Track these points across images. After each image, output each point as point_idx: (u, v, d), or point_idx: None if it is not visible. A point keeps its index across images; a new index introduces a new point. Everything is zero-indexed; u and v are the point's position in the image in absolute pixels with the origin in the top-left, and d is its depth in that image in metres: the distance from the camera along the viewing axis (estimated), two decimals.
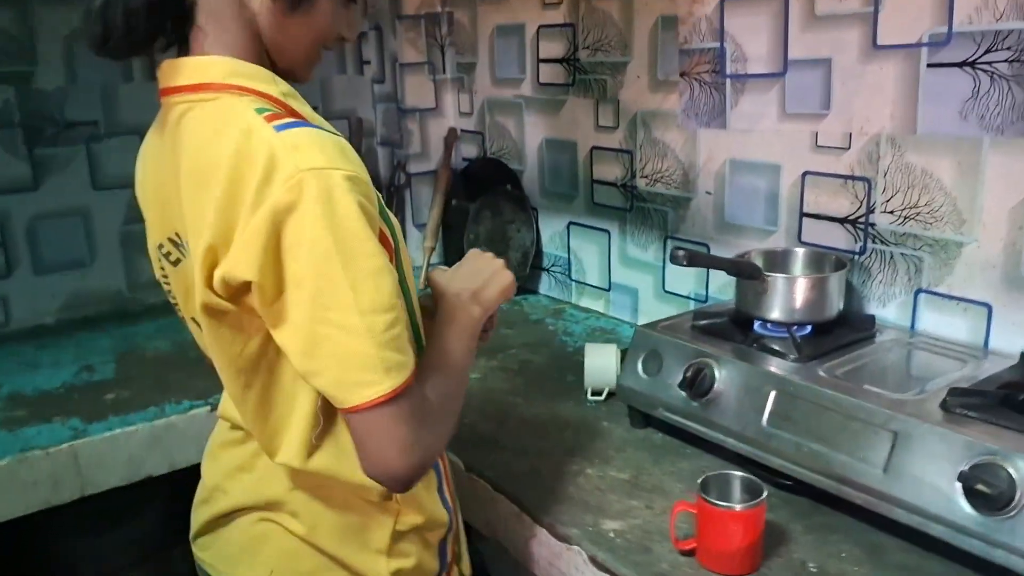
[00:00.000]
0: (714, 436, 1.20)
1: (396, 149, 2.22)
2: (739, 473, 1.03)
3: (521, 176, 2.04)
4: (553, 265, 2.02)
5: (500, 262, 1.00)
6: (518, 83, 1.99)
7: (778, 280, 1.26)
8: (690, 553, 1.00)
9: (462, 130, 2.20)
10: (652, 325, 1.36)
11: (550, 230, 2.00)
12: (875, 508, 1.01)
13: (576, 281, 1.96)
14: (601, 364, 1.45)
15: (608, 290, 1.87)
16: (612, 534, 1.06)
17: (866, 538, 1.04)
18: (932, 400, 1.04)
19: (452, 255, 2.21)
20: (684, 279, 1.67)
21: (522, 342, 1.75)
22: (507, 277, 0.99)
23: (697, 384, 1.21)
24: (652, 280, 1.76)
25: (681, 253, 1.16)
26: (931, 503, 0.95)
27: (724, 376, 1.20)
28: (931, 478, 0.96)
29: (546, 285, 2.06)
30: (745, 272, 1.25)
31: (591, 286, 1.92)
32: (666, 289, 1.72)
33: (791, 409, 1.11)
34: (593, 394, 1.45)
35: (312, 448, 0.83)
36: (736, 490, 1.02)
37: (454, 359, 0.88)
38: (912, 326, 1.32)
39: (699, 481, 1.00)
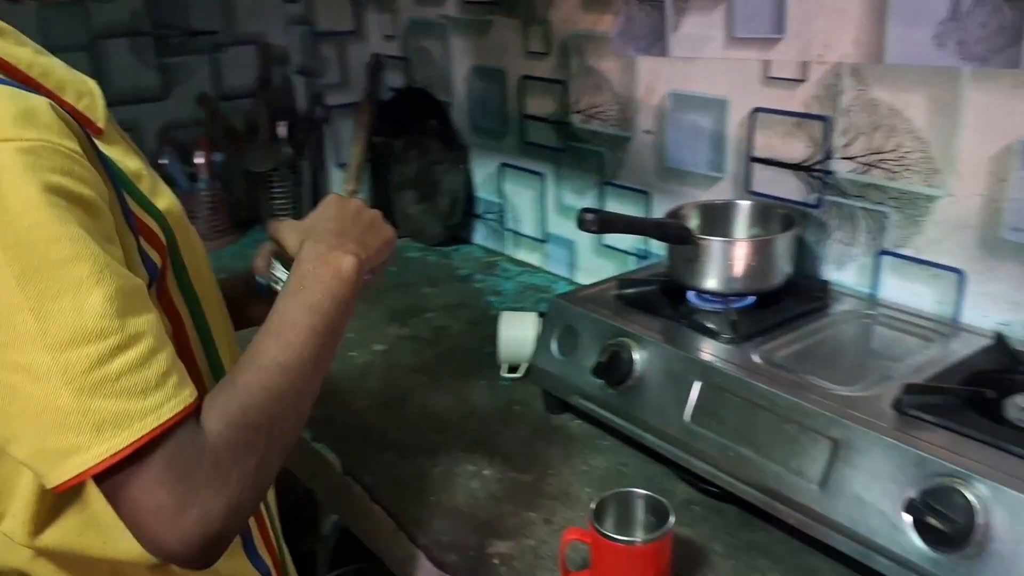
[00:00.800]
0: (632, 431, 1.02)
1: (314, 79, 1.98)
2: (642, 493, 0.84)
3: (449, 110, 1.81)
4: (487, 212, 1.80)
5: (375, 212, 0.80)
6: (441, 0, 1.73)
7: (713, 245, 1.05)
8: None
9: (386, 56, 1.95)
10: (570, 295, 1.16)
11: (482, 172, 1.78)
12: (809, 530, 0.84)
13: (510, 231, 1.75)
14: (518, 336, 1.25)
15: (544, 242, 1.67)
16: (497, 560, 0.88)
17: (801, 562, 0.86)
18: (885, 397, 0.85)
19: (378, 197, 2.00)
20: None
21: (442, 303, 1.55)
22: (386, 232, 0.80)
23: (613, 369, 1.02)
24: None
25: (590, 217, 0.95)
26: (875, 531, 0.78)
27: (644, 360, 1.01)
28: (875, 499, 0.78)
29: (481, 234, 1.85)
30: (673, 236, 1.05)
31: (527, 236, 1.71)
32: (604, 243, 1.51)
33: (718, 404, 0.93)
34: (509, 370, 1.27)
35: (43, 521, 0.64)
36: (639, 513, 0.84)
37: (294, 358, 0.64)
38: (872, 293, 1.13)
39: (592, 506, 0.82)
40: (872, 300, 1.12)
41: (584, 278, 1.57)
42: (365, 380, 1.28)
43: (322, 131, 2.00)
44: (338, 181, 2.00)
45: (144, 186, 0.65)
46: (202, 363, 0.72)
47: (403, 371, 1.30)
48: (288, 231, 0.77)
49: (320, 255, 0.71)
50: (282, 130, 1.93)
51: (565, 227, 1.60)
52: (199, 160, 1.87)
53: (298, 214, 1.96)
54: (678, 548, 0.83)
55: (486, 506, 0.97)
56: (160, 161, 1.84)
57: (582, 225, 0.95)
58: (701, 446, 0.93)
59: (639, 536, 0.81)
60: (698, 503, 0.96)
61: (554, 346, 1.12)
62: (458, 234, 1.85)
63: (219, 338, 0.75)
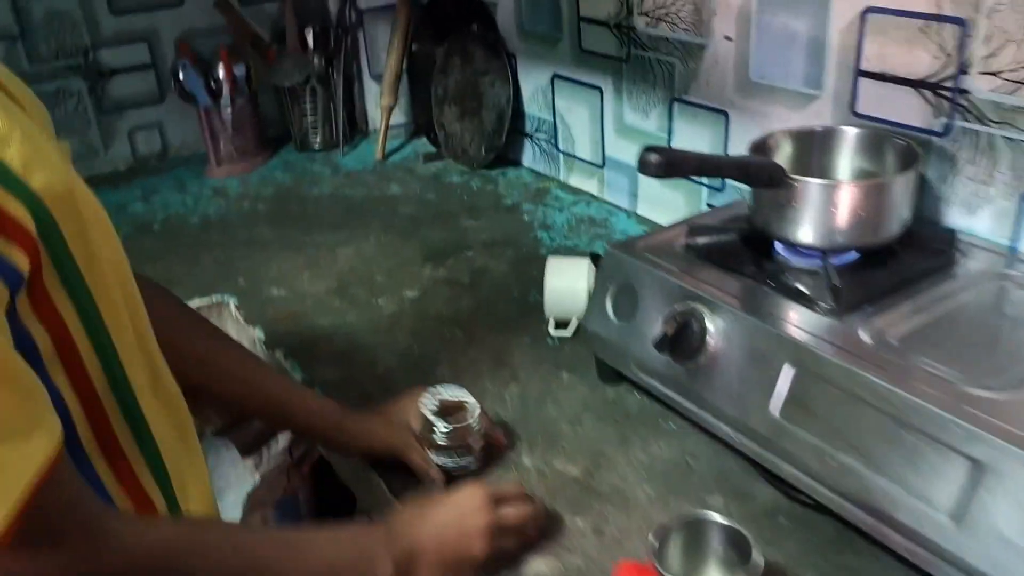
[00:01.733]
0: (704, 418, 0.84)
1: None
2: (720, 521, 0.67)
3: (495, 12, 1.57)
4: (537, 130, 1.59)
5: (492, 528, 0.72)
6: None
7: (810, 188, 0.84)
8: None
9: None
10: (628, 245, 0.96)
11: (531, 84, 1.56)
12: (934, 570, 0.66)
13: (564, 153, 1.54)
14: (567, 288, 1.07)
15: (601, 167, 1.45)
16: None
17: None
18: None
19: (418, 113, 1.80)
20: None
21: (484, 239, 1.36)
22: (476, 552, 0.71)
23: (681, 343, 0.83)
24: None
25: (654, 159, 0.74)
26: None
27: (720, 333, 0.82)
28: None
29: (530, 156, 1.64)
30: (759, 178, 0.83)
31: (582, 160, 1.49)
32: None
33: (815, 396, 0.74)
34: (557, 327, 1.09)
35: None
36: (713, 542, 0.67)
37: None
38: (1014, 246, 0.90)
39: (651, 536, 0.65)
40: (1013, 255, 0.89)
41: (648, 210, 1.36)
42: (393, 334, 1.12)
43: (355, 38, 1.79)
44: (373, 95, 1.80)
45: (12, 155, 0.48)
46: (98, 380, 0.57)
47: (436, 323, 1.13)
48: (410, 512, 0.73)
49: (385, 551, 0.67)
50: (311, 38, 1.73)
51: (626, 150, 1.38)
52: (220, 73, 1.68)
53: (330, 134, 1.78)
54: (735, 538, 0.66)
55: None
56: (178, 74, 1.67)
57: (644, 168, 0.75)
58: (791, 447, 0.75)
59: None
60: (784, 512, 0.78)
61: (609, 306, 0.93)
62: (505, 155, 1.64)
63: (124, 347, 0.59)
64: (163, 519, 0.63)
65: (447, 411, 0.85)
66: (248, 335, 1.16)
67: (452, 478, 0.84)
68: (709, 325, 0.82)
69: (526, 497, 0.77)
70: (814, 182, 0.84)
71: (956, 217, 0.94)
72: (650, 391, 0.91)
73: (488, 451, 0.86)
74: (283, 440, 1.65)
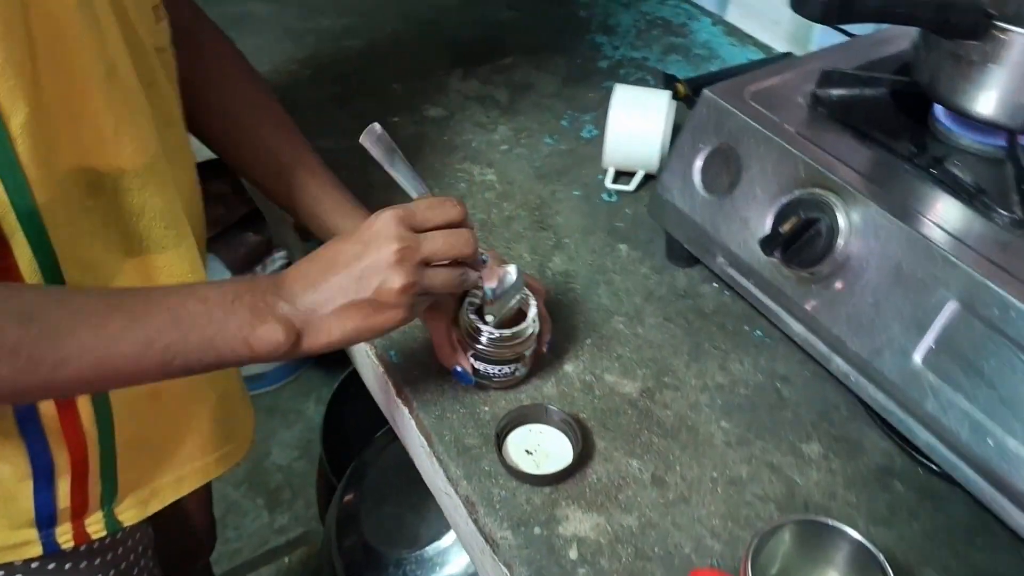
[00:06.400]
0: (815, 347, 0.64)
1: None
2: (844, 530, 0.49)
3: None
4: None
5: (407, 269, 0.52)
6: None
7: (1018, 41, 0.58)
8: None
9: None
10: (733, 88, 0.70)
11: None
12: None
13: None
14: (635, 131, 0.83)
15: None
16: (573, 552, 0.56)
17: None
18: None
19: None
20: None
21: (526, 41, 1.08)
22: (392, 317, 0.53)
23: (800, 245, 0.61)
24: None
25: None
26: None
27: (855, 236, 0.60)
28: None
29: None
30: (959, 27, 0.57)
31: None
32: None
33: (980, 349, 0.53)
34: (617, 177, 0.86)
35: None
36: (828, 550, 0.50)
37: (137, 346, 0.48)
38: None
39: (752, 545, 0.47)
40: None
41: (741, 18, 1.08)
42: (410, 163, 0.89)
43: None
44: None
45: None
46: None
47: (462, 158, 0.90)
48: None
49: (260, 299, 0.51)
50: None
51: None
52: None
53: None
54: (859, 555, 0.50)
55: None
56: None
57: (803, 4, 0.49)
58: (933, 408, 0.55)
59: None
60: (902, 476, 0.61)
61: (696, 172, 0.70)
62: None
63: None
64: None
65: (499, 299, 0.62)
66: None
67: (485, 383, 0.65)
68: (841, 223, 0.60)
69: (460, 218, 0.56)
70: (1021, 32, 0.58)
71: None
72: (738, 291, 0.70)
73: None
74: (279, 259, 1.48)
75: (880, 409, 0.60)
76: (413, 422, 0.64)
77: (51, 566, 0.64)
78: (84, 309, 0.47)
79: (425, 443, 0.62)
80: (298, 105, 0.95)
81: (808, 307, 0.62)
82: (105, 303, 0.48)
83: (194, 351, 0.49)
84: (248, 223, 1.41)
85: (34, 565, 0.63)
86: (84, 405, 0.58)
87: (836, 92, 0.68)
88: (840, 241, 0.60)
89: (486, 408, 0.64)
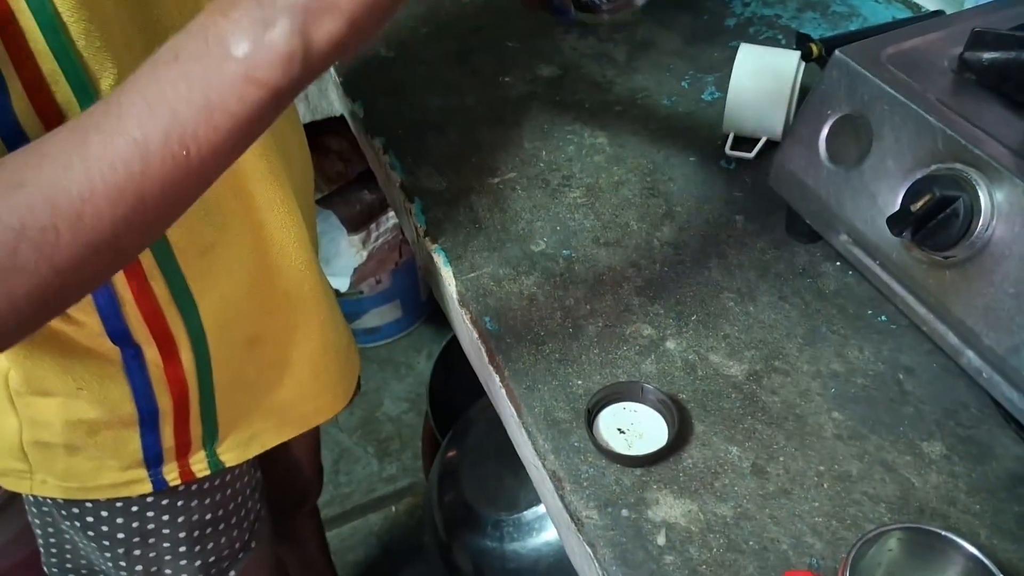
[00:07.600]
0: (946, 339, 0.58)
1: None
2: (954, 540, 0.44)
3: None
4: None
5: None
6: None
7: None
8: None
9: None
10: (867, 48, 0.64)
11: None
12: None
13: None
14: (761, 92, 0.77)
15: None
16: (663, 541, 0.54)
17: None
18: None
19: None
20: None
21: (649, 11, 1.03)
22: None
23: (934, 225, 0.55)
24: None
25: None
26: None
27: (998, 217, 0.53)
28: None
29: None
30: None
31: None
32: None
33: None
34: (735, 144, 0.81)
35: None
36: (942, 567, 0.45)
37: (113, 158, 0.37)
38: None
39: (853, 550, 0.43)
40: None
41: None
42: (520, 127, 0.87)
43: None
44: None
45: None
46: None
47: (573, 119, 0.87)
48: None
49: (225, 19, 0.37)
50: None
51: None
52: None
53: None
54: (977, 573, 0.45)
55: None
56: None
57: None
58: None
59: None
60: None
61: (822, 141, 0.65)
62: None
63: None
64: None
65: None
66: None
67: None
68: (983, 203, 0.54)
69: None
70: None
71: None
72: (863, 272, 0.65)
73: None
74: (392, 219, 1.50)
75: (1015, 411, 0.54)
76: (504, 391, 0.62)
77: (164, 501, 0.68)
78: (53, 152, 0.38)
79: (515, 413, 0.61)
80: (414, 61, 0.95)
81: (939, 294, 0.57)
82: (71, 134, 0.39)
83: (197, 124, 0.38)
84: (365, 181, 1.43)
85: (149, 499, 0.67)
86: (185, 351, 0.60)
87: (988, 55, 0.61)
88: (980, 223, 0.54)
89: (579, 382, 0.62)
